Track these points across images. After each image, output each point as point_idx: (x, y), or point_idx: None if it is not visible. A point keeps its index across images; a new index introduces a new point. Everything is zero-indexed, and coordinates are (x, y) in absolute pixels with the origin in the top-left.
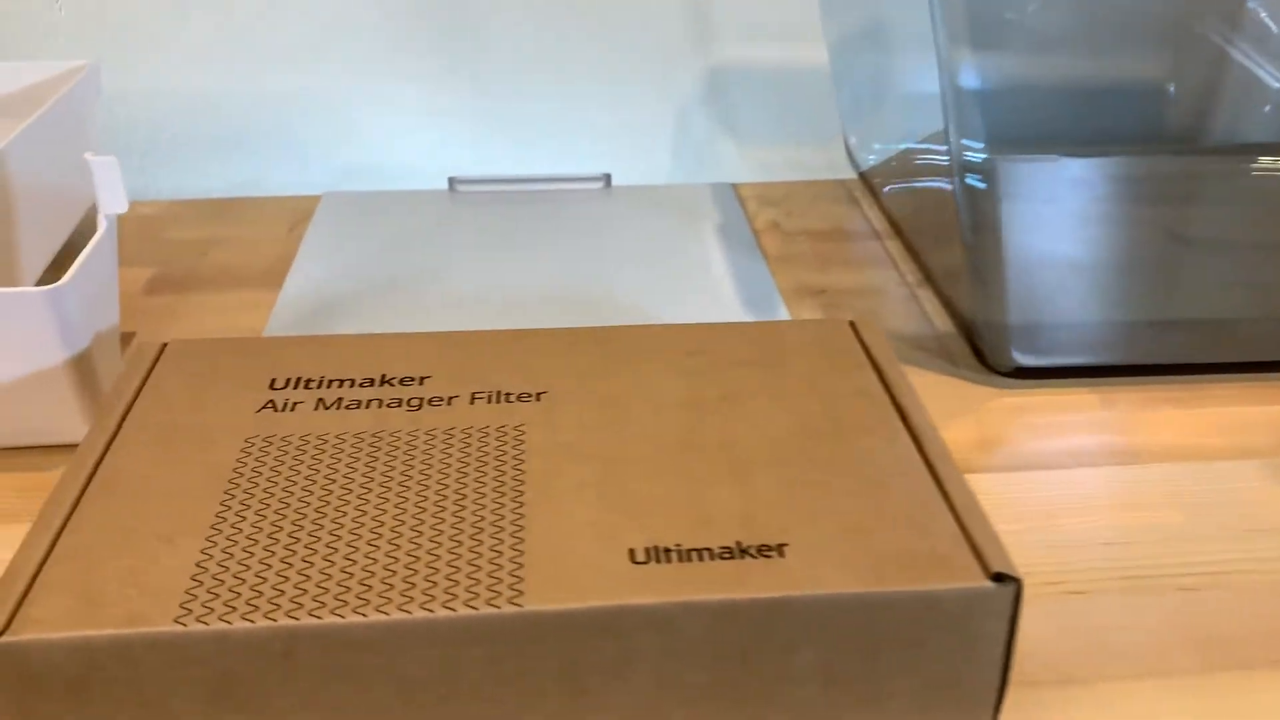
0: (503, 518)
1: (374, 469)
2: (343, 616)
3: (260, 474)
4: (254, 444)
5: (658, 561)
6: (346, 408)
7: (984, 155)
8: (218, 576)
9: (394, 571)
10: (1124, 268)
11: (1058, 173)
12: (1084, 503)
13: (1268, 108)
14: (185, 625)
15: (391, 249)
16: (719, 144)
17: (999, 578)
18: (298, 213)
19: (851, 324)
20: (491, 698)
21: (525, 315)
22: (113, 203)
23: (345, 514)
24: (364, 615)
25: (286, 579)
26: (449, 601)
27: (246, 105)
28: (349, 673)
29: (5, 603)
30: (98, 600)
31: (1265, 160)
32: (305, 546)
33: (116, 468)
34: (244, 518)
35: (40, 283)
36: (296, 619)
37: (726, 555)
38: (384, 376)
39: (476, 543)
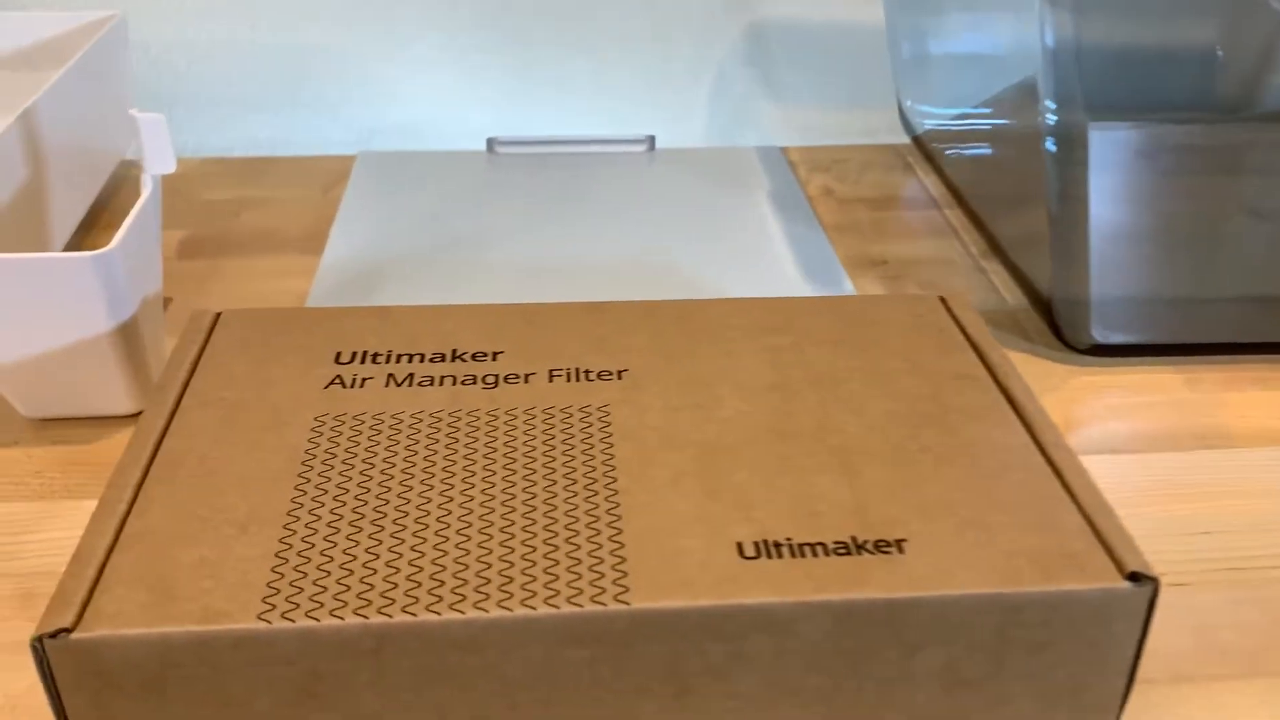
0: (597, 506)
1: (455, 451)
2: (439, 614)
3: (334, 455)
4: (324, 423)
5: (768, 557)
6: (419, 384)
7: (1080, 120)
8: (299, 569)
9: (488, 565)
10: (1211, 241)
11: (1153, 140)
12: (1174, 489)
13: None
14: (270, 622)
15: (432, 213)
16: (760, 105)
17: (1134, 577)
18: (332, 173)
19: (942, 299)
20: (592, 700)
21: (578, 285)
22: (160, 162)
23: (430, 500)
24: (461, 613)
25: (374, 571)
26: (551, 599)
27: (274, 60)
28: (443, 673)
29: (75, 595)
30: (173, 593)
31: None
32: (391, 536)
33: (180, 448)
34: (321, 503)
35: (71, 244)
36: (389, 616)
37: (842, 551)
38: (455, 351)
39: (572, 533)
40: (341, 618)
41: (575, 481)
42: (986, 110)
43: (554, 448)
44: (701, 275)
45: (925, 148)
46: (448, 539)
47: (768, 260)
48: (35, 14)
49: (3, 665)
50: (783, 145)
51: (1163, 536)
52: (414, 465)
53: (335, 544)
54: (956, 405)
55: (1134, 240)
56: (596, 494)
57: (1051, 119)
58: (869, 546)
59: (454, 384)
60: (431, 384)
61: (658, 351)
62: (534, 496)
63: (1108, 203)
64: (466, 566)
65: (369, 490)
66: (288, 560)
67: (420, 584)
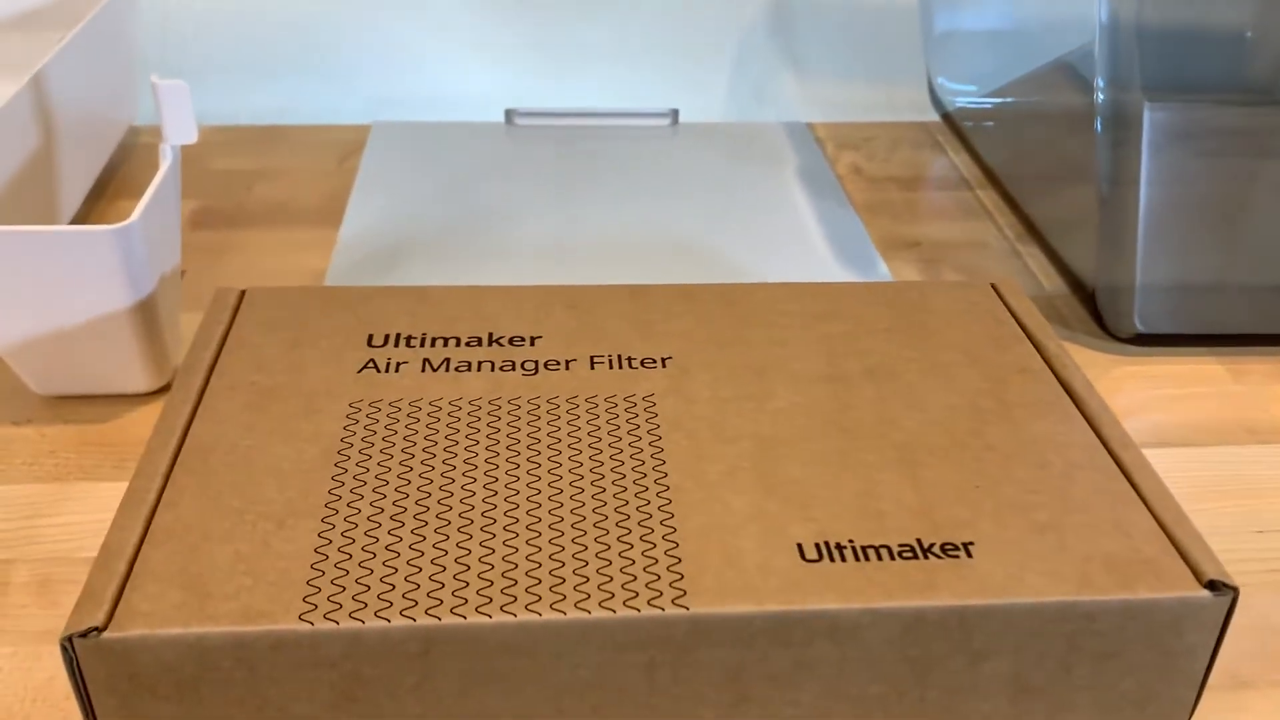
0: (648, 503)
1: (496, 441)
2: (489, 616)
3: (372, 444)
4: (360, 409)
5: (830, 560)
6: (456, 370)
7: (1135, 100)
8: (341, 566)
9: (538, 564)
10: (1260, 229)
11: (1207, 122)
12: (1227, 485)
13: None
14: (312, 623)
15: (450, 186)
16: (783, 80)
17: (1212, 585)
18: (346, 144)
19: (994, 286)
20: (647, 707)
21: (605, 263)
22: (181, 132)
23: (473, 494)
24: (513, 615)
25: (419, 570)
26: (606, 601)
27: (284, 26)
28: (491, 677)
29: (105, 591)
30: (209, 591)
31: None
32: (435, 532)
33: (209, 435)
34: (360, 496)
35: (79, 213)
36: (437, 618)
37: (908, 554)
38: (493, 335)
39: (624, 531)
40: (388, 619)
41: (624, 475)
42: (1023, 88)
43: (599, 439)
44: (732, 254)
45: (956, 126)
46: (494, 535)
47: (799, 240)
48: None
49: (23, 655)
50: (807, 121)
51: (1216, 535)
52: (455, 456)
53: (377, 540)
54: (1018, 400)
55: (1182, 226)
56: (647, 489)
57: (1103, 98)
58: (935, 550)
59: (493, 370)
60: (469, 369)
61: (704, 338)
62: (581, 491)
63: (1157, 186)
64: (516, 566)
65: (410, 482)
66: (328, 557)
67: (468, 584)
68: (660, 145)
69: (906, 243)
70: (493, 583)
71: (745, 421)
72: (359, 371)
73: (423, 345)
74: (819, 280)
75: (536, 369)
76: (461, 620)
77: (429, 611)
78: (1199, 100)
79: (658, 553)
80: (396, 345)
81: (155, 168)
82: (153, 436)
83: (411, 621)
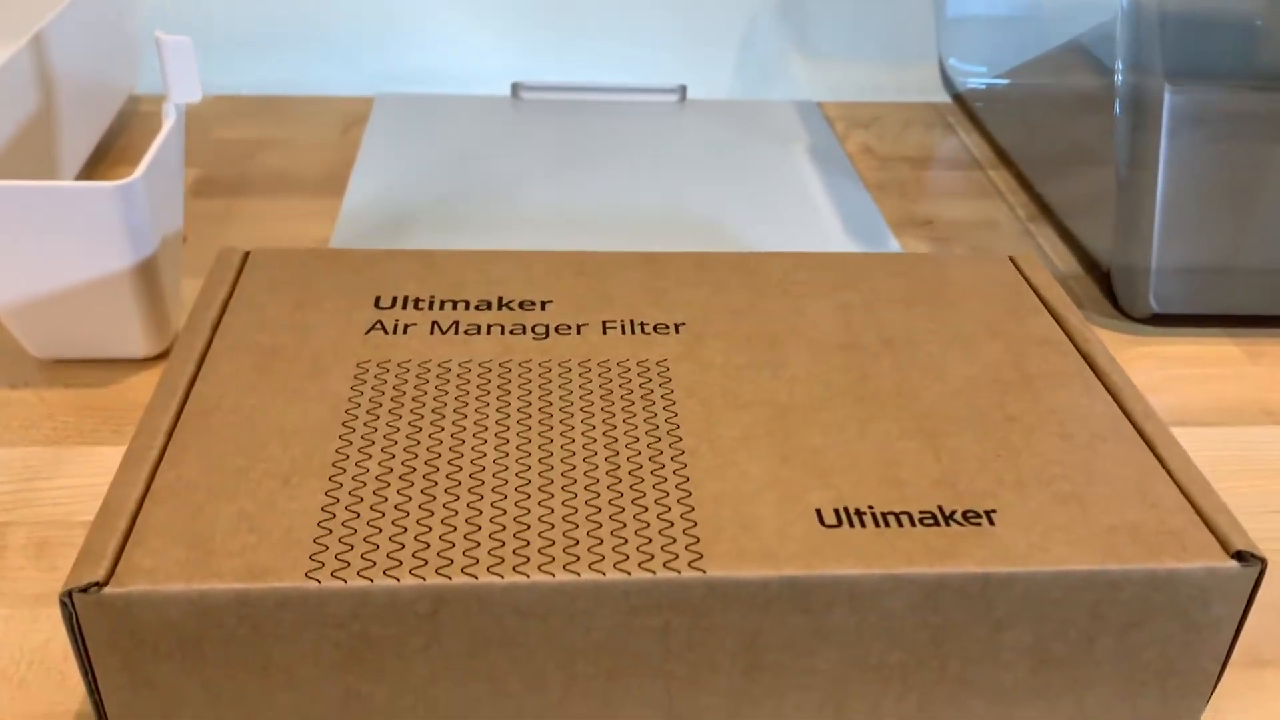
0: (663, 467)
1: (507, 403)
2: (501, 576)
3: (380, 405)
4: (368, 370)
5: (850, 525)
6: (466, 332)
7: (1156, 84)
8: (348, 525)
9: (551, 525)
10: (1275, 212)
11: (1226, 105)
12: (1244, 465)
13: None
14: (319, 581)
15: (456, 158)
16: (792, 59)
17: (1240, 556)
18: (349, 115)
19: (1012, 259)
20: (660, 673)
21: (612, 237)
22: (185, 90)
23: (484, 454)
24: (526, 575)
25: (429, 529)
26: (620, 563)
27: None
28: (501, 640)
29: (105, 547)
30: (212, 548)
31: None
32: (445, 492)
33: (212, 394)
34: (369, 455)
35: (79, 179)
36: (448, 577)
37: (929, 521)
38: (501, 299)
39: (639, 495)
40: (397, 578)
41: (638, 440)
42: (1036, 69)
43: (612, 403)
44: (742, 230)
45: (968, 106)
46: (506, 496)
47: (809, 217)
48: None
49: (20, 618)
50: (817, 100)
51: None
52: (465, 417)
53: (386, 499)
54: (1039, 371)
55: (1199, 208)
56: (661, 453)
57: (1123, 81)
58: (957, 517)
59: (503, 333)
60: (479, 332)
61: (718, 305)
62: (594, 454)
63: (1175, 169)
64: (528, 526)
65: (419, 443)
66: (335, 516)
67: (479, 544)
68: (668, 121)
69: (918, 221)
70: (504, 543)
71: (760, 388)
72: (366, 333)
73: (431, 308)
74: None
75: (547, 333)
76: (472, 580)
77: (439, 571)
78: (1218, 85)
79: (673, 516)
80: (404, 307)
81: (155, 136)
82: (154, 396)
83: (421, 581)
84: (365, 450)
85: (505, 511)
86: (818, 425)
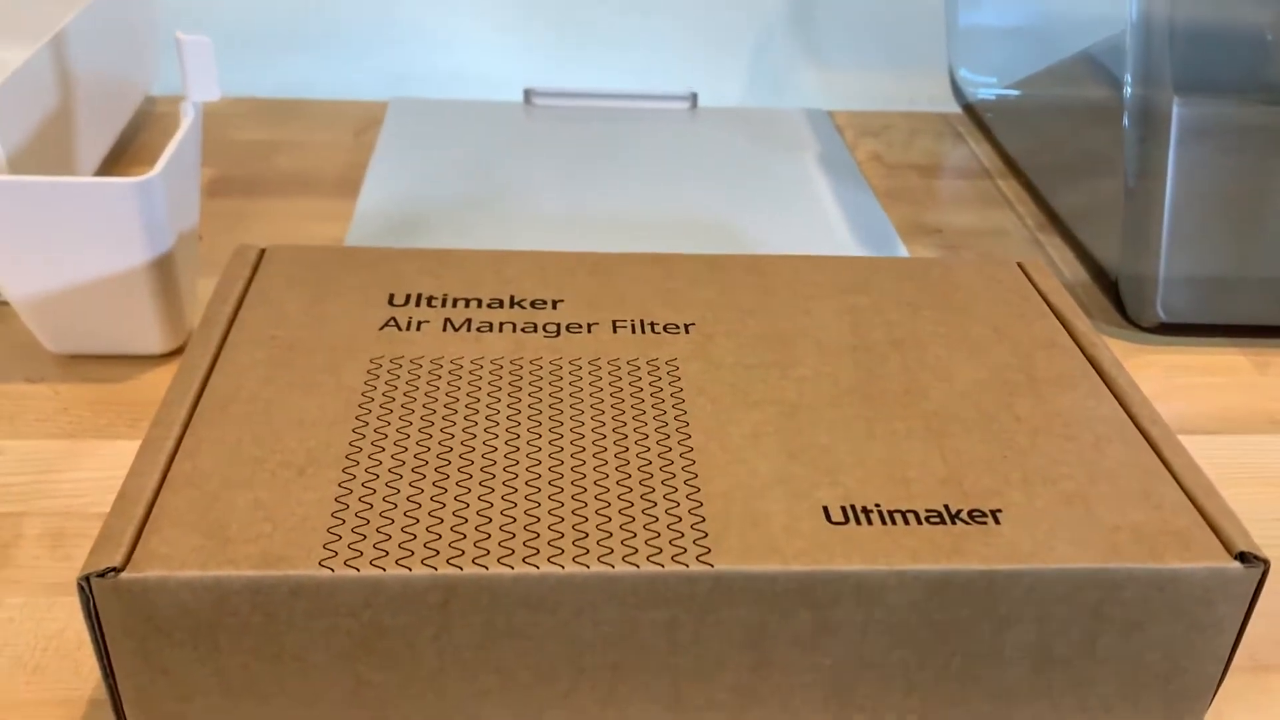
0: (671, 463)
1: (519, 399)
2: (511, 567)
3: (393, 399)
4: (381, 365)
5: (857, 523)
6: (478, 330)
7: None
8: (362, 515)
9: (561, 519)
10: None
11: (1238, 120)
12: (1248, 472)
13: None
14: (333, 570)
15: (469, 162)
16: (802, 69)
17: (1243, 557)
18: (363, 118)
19: (1020, 265)
20: (667, 666)
21: (623, 242)
22: (203, 88)
23: (495, 449)
24: (535, 567)
25: (441, 521)
26: (629, 556)
27: (304, 1)
28: (510, 632)
29: (122, 534)
30: (228, 536)
31: None
32: (456, 485)
33: (228, 386)
34: (382, 448)
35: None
36: (459, 568)
37: (935, 520)
38: (514, 298)
39: (648, 490)
40: (409, 568)
41: (647, 436)
42: (1045, 80)
43: (622, 400)
44: (752, 236)
45: (978, 116)
46: (516, 490)
47: (819, 223)
48: None
49: (35, 606)
50: (827, 109)
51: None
52: (477, 413)
53: (398, 490)
54: (1045, 374)
55: (1207, 219)
56: (670, 449)
57: (1132, 94)
58: (963, 516)
59: (514, 331)
60: (491, 330)
61: (728, 306)
62: (604, 450)
63: (1183, 180)
64: (538, 519)
65: (431, 436)
66: (349, 506)
67: (490, 536)
68: (679, 128)
69: (927, 229)
70: (515, 535)
71: (769, 388)
72: (380, 329)
73: (444, 305)
74: None
75: (558, 331)
76: (483, 570)
77: (450, 561)
78: (1227, 98)
79: (681, 511)
80: (418, 305)
81: (170, 137)
82: (171, 387)
83: (433, 571)
84: (379, 443)
85: (515, 504)
86: (826, 424)
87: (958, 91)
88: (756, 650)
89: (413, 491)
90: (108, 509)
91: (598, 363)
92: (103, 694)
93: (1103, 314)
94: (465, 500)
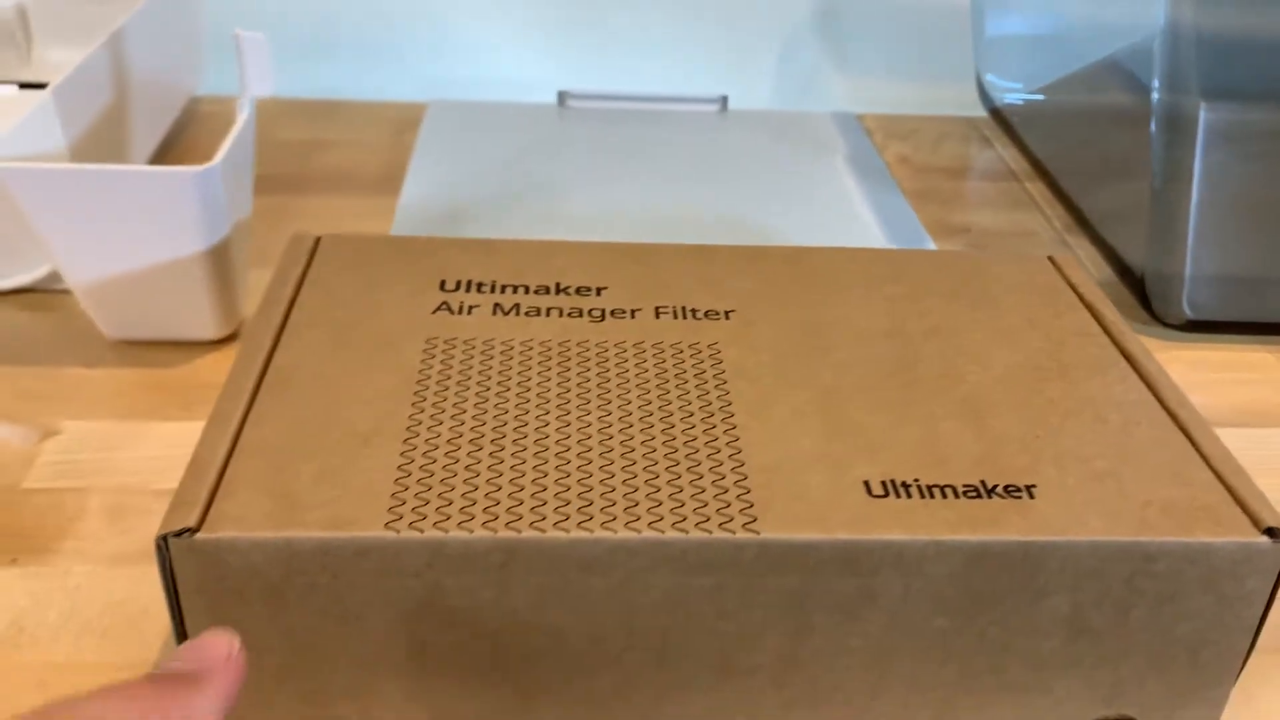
0: (716, 439)
1: (567, 379)
2: (567, 531)
3: (449, 376)
4: (436, 345)
5: (897, 496)
6: (526, 314)
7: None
8: (424, 482)
9: (612, 488)
10: None
11: (1264, 125)
12: (1274, 464)
13: None
14: (397, 531)
15: (506, 161)
16: (829, 73)
17: (1271, 532)
18: (402, 120)
19: (1051, 260)
20: (713, 631)
21: (657, 239)
22: (260, 83)
23: (547, 423)
24: (590, 531)
25: (499, 488)
26: (678, 524)
27: (343, 6)
28: (566, 595)
29: (197, 497)
30: (297, 500)
31: None
32: (512, 455)
33: (291, 364)
34: (440, 421)
35: None
36: (517, 531)
37: (972, 494)
38: (559, 285)
39: (694, 464)
40: (470, 530)
41: (692, 414)
42: (1072, 85)
43: (666, 381)
44: (784, 234)
45: (1005, 120)
46: (569, 461)
47: (849, 222)
48: None
49: (100, 576)
50: (855, 113)
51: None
52: (528, 389)
53: (458, 460)
54: (1077, 361)
55: (1232, 220)
56: (715, 427)
57: (1160, 99)
58: (999, 491)
59: (561, 315)
60: (539, 315)
61: (767, 295)
62: (651, 426)
63: (1209, 183)
64: (590, 489)
65: (486, 411)
66: (411, 474)
67: (546, 503)
68: (710, 130)
69: (955, 229)
70: (569, 502)
71: (809, 371)
72: (433, 312)
73: (493, 291)
74: None
75: (603, 316)
76: (540, 534)
77: (509, 525)
78: (1253, 104)
79: (727, 484)
80: (468, 291)
81: (218, 136)
82: (235, 363)
83: (493, 534)
84: (437, 416)
85: (569, 475)
86: (864, 405)
87: (984, 96)
88: (799, 617)
89: (471, 461)
90: (165, 486)
91: (642, 346)
92: (163, 659)
93: (1129, 312)
94: (521, 470)
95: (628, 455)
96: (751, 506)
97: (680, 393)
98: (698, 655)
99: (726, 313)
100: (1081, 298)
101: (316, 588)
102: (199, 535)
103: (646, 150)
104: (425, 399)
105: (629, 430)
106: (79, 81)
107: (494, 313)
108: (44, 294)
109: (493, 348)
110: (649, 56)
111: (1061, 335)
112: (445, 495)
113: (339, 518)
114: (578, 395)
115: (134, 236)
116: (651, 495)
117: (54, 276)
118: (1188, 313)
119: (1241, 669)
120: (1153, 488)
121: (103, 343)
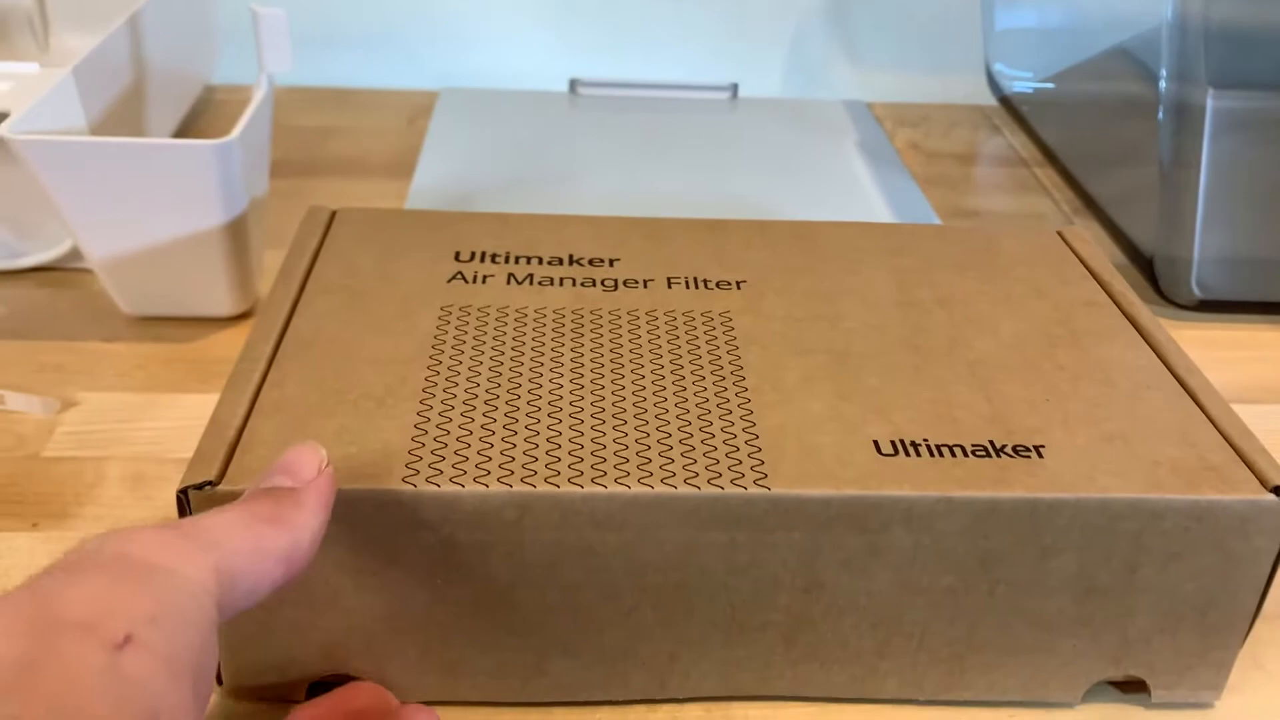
0: (728, 401)
1: (581, 343)
2: (581, 486)
3: (464, 342)
4: (451, 312)
5: (906, 455)
6: (540, 284)
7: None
8: (439, 440)
9: (625, 446)
10: None
11: (1270, 112)
12: None
13: None
14: (415, 486)
15: (517, 147)
16: (838, 63)
17: (1278, 491)
18: (414, 107)
19: (1060, 233)
20: (724, 587)
21: None
22: (277, 60)
23: (560, 385)
24: (603, 486)
25: (513, 445)
26: (691, 479)
27: None
28: (579, 550)
29: (217, 452)
30: None
31: None
32: (527, 415)
33: (308, 328)
34: (455, 384)
35: None
36: (532, 485)
37: (981, 453)
38: (572, 256)
39: (706, 424)
40: (485, 485)
41: (704, 378)
42: (1081, 73)
43: (679, 347)
44: (793, 215)
45: (1014, 108)
46: (583, 421)
47: (860, 205)
48: None
49: None
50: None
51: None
52: (542, 354)
53: (473, 420)
54: (1086, 328)
55: (1240, 204)
56: (726, 389)
57: (1167, 88)
58: (1008, 450)
59: (574, 285)
60: (552, 284)
61: (778, 266)
62: (663, 389)
63: (1217, 169)
64: (604, 446)
65: (501, 374)
66: (427, 433)
67: (560, 460)
68: (721, 117)
69: (965, 212)
70: (583, 459)
71: (819, 338)
72: (448, 281)
73: (507, 261)
74: None
75: (616, 286)
76: (555, 489)
77: (524, 480)
78: (1260, 91)
79: (739, 443)
80: (482, 261)
81: (232, 123)
82: (254, 328)
83: (508, 488)
84: (452, 379)
85: (582, 434)
86: (875, 370)
87: (994, 85)
88: (809, 574)
89: (486, 421)
90: (183, 455)
91: (654, 314)
92: None
93: (1139, 293)
94: (535, 429)
95: (640, 415)
96: (762, 464)
97: (693, 357)
98: (708, 612)
99: (738, 283)
100: (1089, 269)
101: (334, 541)
102: (219, 488)
103: (657, 138)
104: (441, 362)
105: (642, 392)
106: (98, 62)
107: (508, 282)
108: (64, 271)
109: (507, 315)
110: (660, 45)
111: (1070, 304)
112: (461, 453)
113: (356, 472)
114: (591, 359)
115: (152, 209)
116: (664, 453)
117: (74, 254)
118: (1196, 293)
119: (1249, 631)
120: (1161, 448)
121: (121, 318)
